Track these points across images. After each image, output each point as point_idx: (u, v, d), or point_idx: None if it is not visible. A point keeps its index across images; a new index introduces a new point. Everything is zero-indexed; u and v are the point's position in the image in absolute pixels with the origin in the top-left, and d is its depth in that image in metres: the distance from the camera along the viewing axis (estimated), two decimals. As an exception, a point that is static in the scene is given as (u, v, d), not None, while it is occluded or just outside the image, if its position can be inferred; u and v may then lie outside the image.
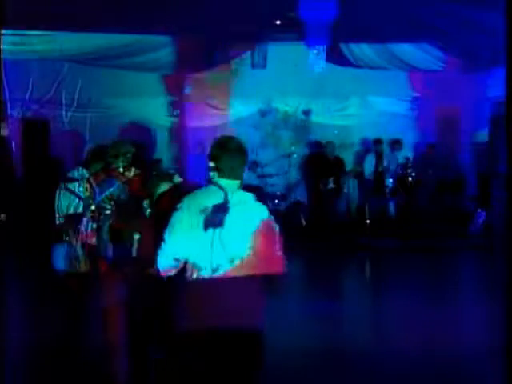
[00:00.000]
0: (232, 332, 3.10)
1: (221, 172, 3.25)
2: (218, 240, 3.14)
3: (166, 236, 3.19)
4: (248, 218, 3.20)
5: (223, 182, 3.25)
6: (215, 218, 3.16)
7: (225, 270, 3.12)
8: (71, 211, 4.83)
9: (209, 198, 3.21)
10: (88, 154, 5.23)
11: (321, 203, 11.68)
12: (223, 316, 3.10)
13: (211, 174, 3.28)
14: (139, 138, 10.52)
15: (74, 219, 4.75)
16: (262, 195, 11.73)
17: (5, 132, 10.41)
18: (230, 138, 3.37)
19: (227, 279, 3.12)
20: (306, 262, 9.93)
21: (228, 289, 3.12)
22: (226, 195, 3.21)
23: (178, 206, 3.23)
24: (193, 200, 3.24)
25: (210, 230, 3.16)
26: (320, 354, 5.64)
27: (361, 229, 11.47)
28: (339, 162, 11.97)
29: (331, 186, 11.62)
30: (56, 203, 4.91)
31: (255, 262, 3.16)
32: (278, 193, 12.22)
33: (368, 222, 11.52)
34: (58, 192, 4.94)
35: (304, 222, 11.76)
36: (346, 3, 7.76)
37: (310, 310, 7.14)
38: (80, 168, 5.04)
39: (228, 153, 3.26)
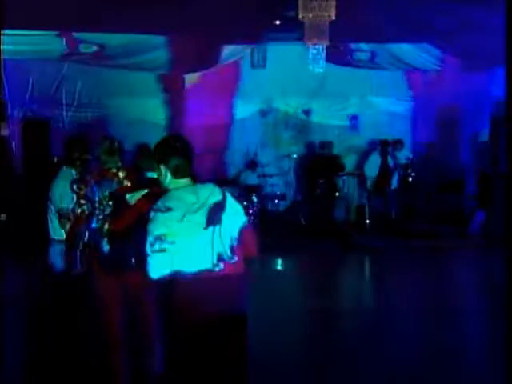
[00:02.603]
0: (223, 315, 3.24)
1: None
2: (217, 237, 3.25)
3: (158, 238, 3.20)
4: (234, 212, 3.36)
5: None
6: (214, 215, 3.25)
7: (224, 265, 3.25)
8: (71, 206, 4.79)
9: (199, 197, 3.28)
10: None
11: (316, 204, 11.69)
12: (217, 304, 3.23)
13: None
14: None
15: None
16: (261, 194, 11.77)
17: (5, 132, 10.40)
18: (177, 138, 3.47)
19: (220, 273, 3.23)
20: (306, 261, 9.93)
21: (220, 281, 3.23)
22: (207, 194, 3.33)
23: (161, 206, 3.23)
24: (181, 200, 3.28)
25: (211, 228, 3.24)
26: (317, 352, 5.66)
27: (361, 229, 11.48)
28: (336, 162, 11.95)
29: (325, 186, 11.61)
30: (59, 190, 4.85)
31: (240, 250, 3.34)
32: (278, 193, 12.24)
33: (368, 221, 11.53)
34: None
35: (303, 222, 11.77)
36: (346, 3, 7.75)
37: (309, 309, 7.15)
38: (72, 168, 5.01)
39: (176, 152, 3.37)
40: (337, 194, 11.82)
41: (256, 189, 11.74)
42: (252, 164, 12.16)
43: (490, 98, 11.59)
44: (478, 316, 7.05)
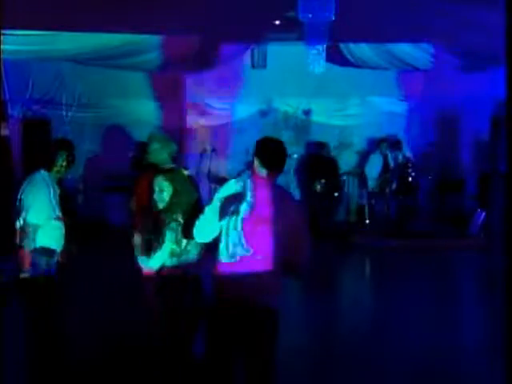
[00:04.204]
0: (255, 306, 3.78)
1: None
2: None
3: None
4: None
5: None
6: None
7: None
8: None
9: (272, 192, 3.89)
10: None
11: (316, 204, 11.68)
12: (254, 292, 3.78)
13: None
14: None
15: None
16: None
17: (5, 132, 10.39)
18: (273, 139, 4.03)
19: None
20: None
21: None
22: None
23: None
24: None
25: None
26: (317, 351, 5.66)
27: (361, 229, 11.48)
28: (333, 163, 11.95)
29: (325, 187, 11.60)
30: None
31: None
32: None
33: (368, 221, 11.53)
34: None
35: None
36: (346, 3, 7.75)
37: (309, 308, 7.15)
38: None
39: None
40: (336, 194, 11.81)
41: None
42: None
43: (490, 97, 11.59)
44: (478, 316, 7.05)
